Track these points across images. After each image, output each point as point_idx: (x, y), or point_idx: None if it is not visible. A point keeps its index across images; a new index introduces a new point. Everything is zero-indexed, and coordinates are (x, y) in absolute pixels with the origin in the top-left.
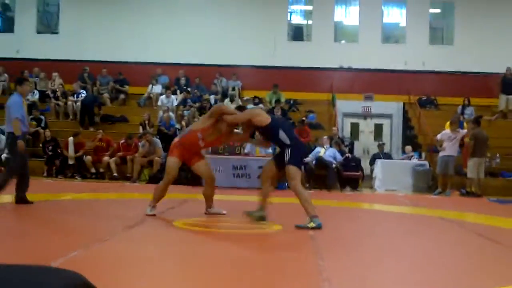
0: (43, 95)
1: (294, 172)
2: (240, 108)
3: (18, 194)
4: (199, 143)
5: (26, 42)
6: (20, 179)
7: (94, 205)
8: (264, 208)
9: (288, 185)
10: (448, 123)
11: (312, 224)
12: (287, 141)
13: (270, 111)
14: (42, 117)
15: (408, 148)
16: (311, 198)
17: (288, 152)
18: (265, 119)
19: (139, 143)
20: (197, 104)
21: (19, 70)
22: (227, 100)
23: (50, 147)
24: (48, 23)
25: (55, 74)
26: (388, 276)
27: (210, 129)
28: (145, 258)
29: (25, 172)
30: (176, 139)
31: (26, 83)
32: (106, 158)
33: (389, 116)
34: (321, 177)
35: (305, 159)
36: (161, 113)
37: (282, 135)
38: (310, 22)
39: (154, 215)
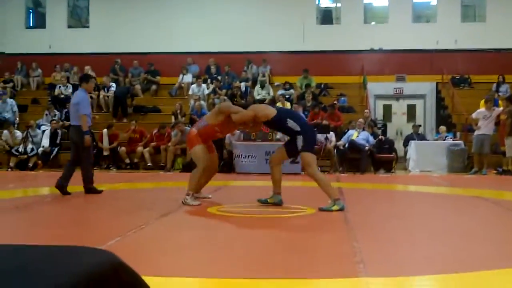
0: (76, 89)
1: (310, 159)
2: (244, 106)
3: (63, 184)
4: (217, 134)
5: (58, 37)
6: (68, 169)
7: (130, 194)
8: (279, 192)
9: (305, 172)
10: (482, 101)
11: (336, 207)
12: (297, 128)
13: (300, 97)
14: None
15: (442, 128)
16: (329, 181)
17: (300, 138)
18: (271, 112)
19: (171, 133)
20: (227, 91)
21: (51, 64)
22: (257, 87)
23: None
24: (78, 18)
25: (87, 67)
26: (424, 256)
27: (225, 123)
28: (182, 244)
29: (74, 165)
30: (193, 130)
31: (91, 80)
32: (140, 149)
33: (422, 97)
34: (354, 160)
35: (328, 144)
36: (192, 102)
37: (291, 123)
38: (339, 4)
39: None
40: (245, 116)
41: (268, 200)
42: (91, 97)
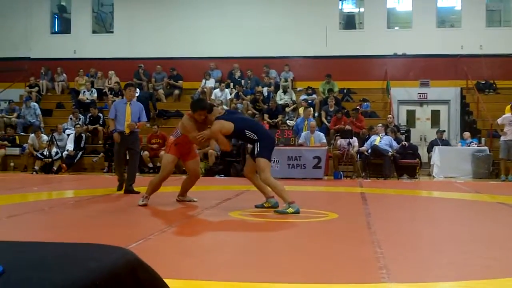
0: (101, 93)
1: (264, 165)
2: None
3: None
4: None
5: (82, 42)
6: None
7: (153, 198)
8: (271, 196)
9: (260, 177)
10: (508, 106)
11: (291, 210)
12: (255, 137)
13: (323, 102)
14: (101, 114)
15: (466, 134)
16: (283, 186)
17: (257, 145)
18: (230, 127)
19: None
20: (249, 97)
21: (76, 69)
22: (280, 92)
23: (111, 144)
24: (103, 23)
25: (111, 72)
26: (448, 262)
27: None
28: (204, 247)
29: (132, 165)
30: (171, 138)
31: (130, 88)
32: (162, 153)
33: (446, 102)
34: (377, 166)
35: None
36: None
37: (248, 133)
38: (362, 9)
39: (146, 205)
40: (214, 137)
41: (264, 204)
42: (140, 101)
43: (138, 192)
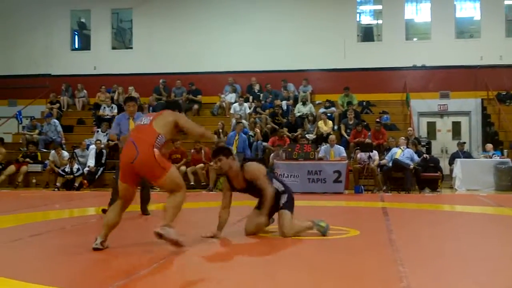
0: (121, 109)
1: (289, 220)
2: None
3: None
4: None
5: (102, 59)
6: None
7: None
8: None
9: (280, 232)
10: None
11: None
12: (281, 188)
13: (342, 115)
14: None
15: (489, 146)
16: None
17: (284, 197)
18: (264, 171)
19: None
20: (268, 111)
21: (97, 86)
22: (299, 105)
23: None
24: (122, 39)
25: (131, 88)
26: (474, 282)
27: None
28: (220, 267)
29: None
30: (156, 151)
31: (128, 103)
32: (183, 168)
33: (467, 113)
34: (398, 179)
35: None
36: (234, 121)
37: (276, 182)
38: (380, 21)
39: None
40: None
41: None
42: None
43: (149, 214)
